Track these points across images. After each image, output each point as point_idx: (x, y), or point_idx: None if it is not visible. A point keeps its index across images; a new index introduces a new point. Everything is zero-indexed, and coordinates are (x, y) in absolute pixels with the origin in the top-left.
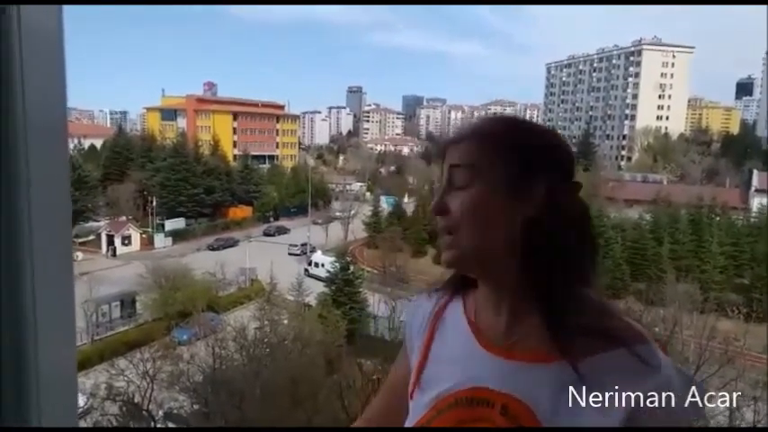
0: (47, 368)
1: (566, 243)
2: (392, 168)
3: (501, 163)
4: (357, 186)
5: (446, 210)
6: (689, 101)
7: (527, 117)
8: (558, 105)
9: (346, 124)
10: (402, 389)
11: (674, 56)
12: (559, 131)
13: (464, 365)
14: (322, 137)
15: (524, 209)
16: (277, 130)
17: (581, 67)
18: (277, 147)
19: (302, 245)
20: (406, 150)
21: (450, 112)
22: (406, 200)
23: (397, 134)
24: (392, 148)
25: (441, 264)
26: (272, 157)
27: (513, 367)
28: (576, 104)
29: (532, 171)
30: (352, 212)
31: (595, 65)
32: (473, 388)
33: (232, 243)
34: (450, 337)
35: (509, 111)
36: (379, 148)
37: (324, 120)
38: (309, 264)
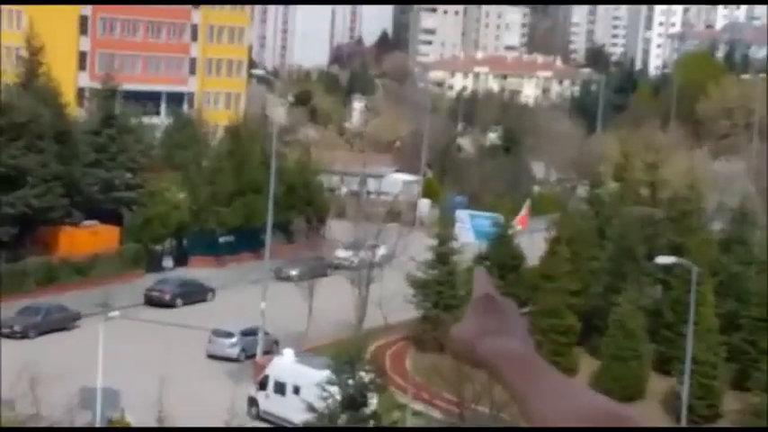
0: None
1: None
2: (492, 136)
3: None
4: (398, 182)
5: None
6: None
7: None
8: None
9: (376, 20)
10: None
11: None
12: None
13: None
14: (310, 51)
15: None
16: (194, 29)
17: None
18: (193, 72)
19: (245, 333)
20: (529, 92)
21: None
22: (521, 221)
23: (510, 47)
24: (495, 85)
25: None
26: (177, 98)
27: None
28: None
29: None
30: (381, 253)
31: None
32: None
33: (63, 321)
34: None
35: None
36: (458, 81)
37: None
38: (262, 385)
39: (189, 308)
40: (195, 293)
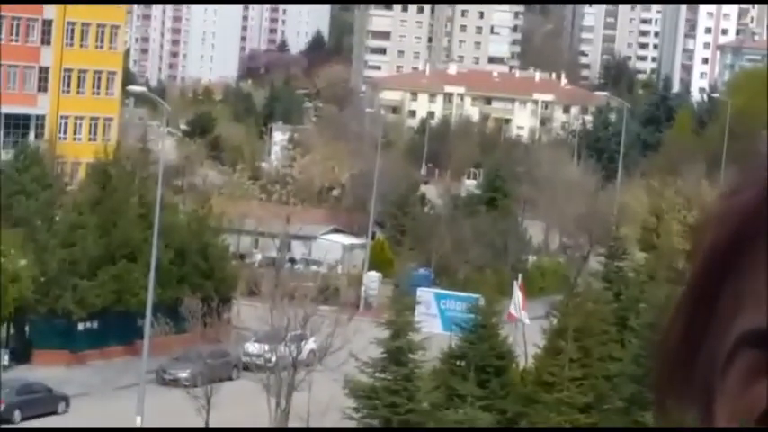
0: None
1: None
2: (470, 184)
3: None
4: (335, 247)
5: None
6: None
7: None
8: None
9: (306, 19)
10: None
11: None
12: None
13: None
14: (212, 59)
15: None
16: (47, 27)
17: None
18: (44, 87)
19: None
20: (523, 122)
21: None
22: (510, 317)
23: (496, 59)
24: (474, 112)
25: None
26: (20, 123)
27: None
28: None
29: None
30: (309, 348)
31: None
32: None
33: None
34: None
35: None
36: (422, 105)
37: None
38: None
39: (31, 424)
40: (40, 403)
